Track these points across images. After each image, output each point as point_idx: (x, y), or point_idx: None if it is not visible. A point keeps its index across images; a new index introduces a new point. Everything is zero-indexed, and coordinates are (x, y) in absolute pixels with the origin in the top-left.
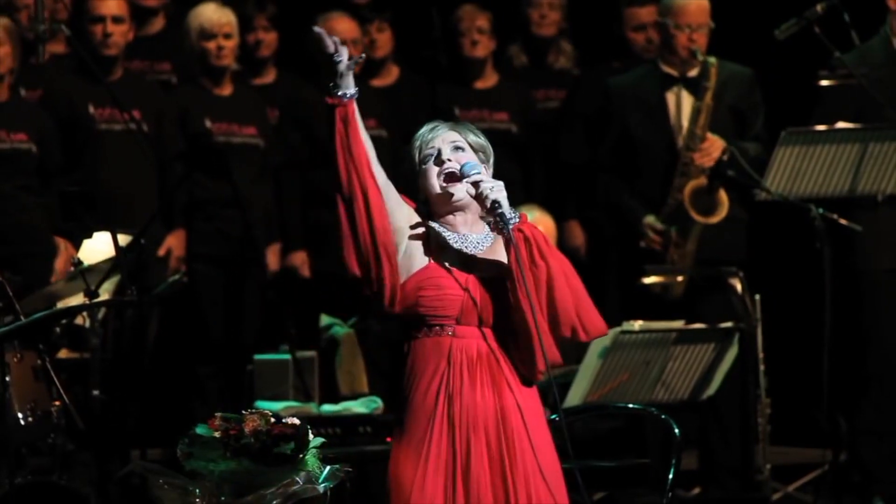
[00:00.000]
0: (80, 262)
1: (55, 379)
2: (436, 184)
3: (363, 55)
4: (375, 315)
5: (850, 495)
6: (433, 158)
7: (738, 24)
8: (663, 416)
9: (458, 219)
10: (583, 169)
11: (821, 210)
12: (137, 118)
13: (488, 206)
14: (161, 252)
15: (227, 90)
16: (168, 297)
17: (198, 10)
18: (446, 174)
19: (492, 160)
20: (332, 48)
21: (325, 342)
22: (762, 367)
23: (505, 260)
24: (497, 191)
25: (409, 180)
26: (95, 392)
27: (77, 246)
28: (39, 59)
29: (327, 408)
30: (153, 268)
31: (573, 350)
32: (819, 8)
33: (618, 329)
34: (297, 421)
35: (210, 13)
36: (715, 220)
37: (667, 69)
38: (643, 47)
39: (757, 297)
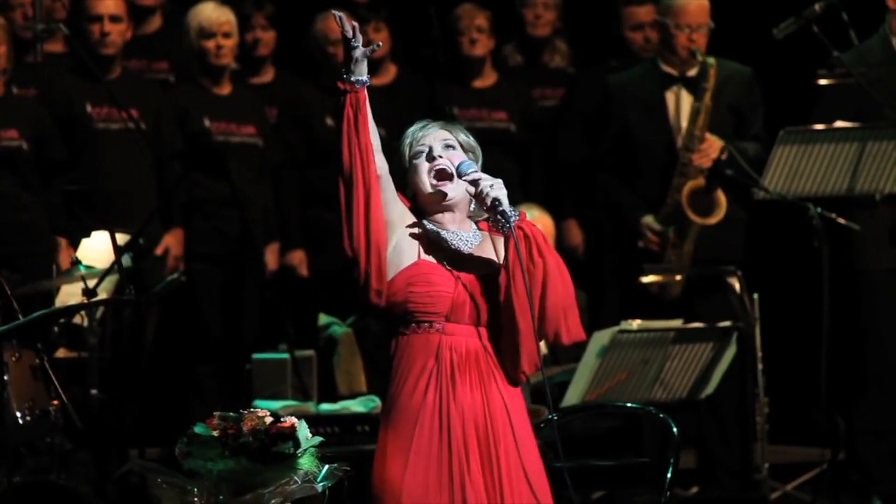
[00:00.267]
0: (78, 262)
1: (53, 378)
2: (426, 180)
3: (380, 43)
4: (371, 313)
5: (849, 494)
6: (424, 155)
7: (736, 24)
8: (661, 416)
9: (446, 217)
10: (581, 168)
11: (819, 209)
12: (136, 117)
13: (489, 203)
14: (159, 251)
15: (225, 89)
16: (166, 296)
17: (197, 9)
18: (437, 171)
19: (480, 161)
20: (350, 32)
21: (323, 341)
22: (760, 367)
23: (493, 258)
24: (497, 188)
25: (397, 177)
26: (94, 391)
27: (76, 245)
28: (37, 58)
29: (325, 407)
30: (151, 267)
31: (571, 349)
32: (817, 7)
33: (616, 328)
34: (294, 420)
35: (209, 12)
36: (712, 221)
37: (666, 68)
38: (641, 46)
39: (755, 296)
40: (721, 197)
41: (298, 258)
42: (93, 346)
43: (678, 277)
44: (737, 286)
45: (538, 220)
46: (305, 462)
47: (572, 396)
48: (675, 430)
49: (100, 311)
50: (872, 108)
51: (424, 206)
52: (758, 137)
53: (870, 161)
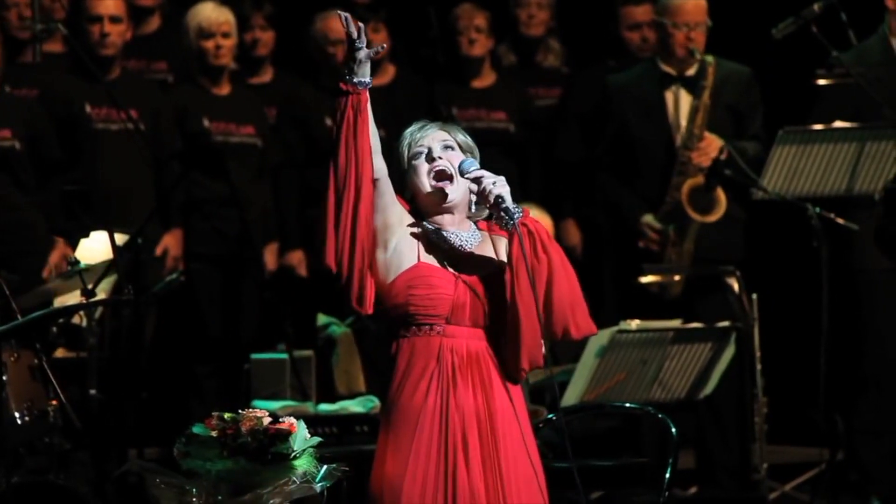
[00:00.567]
0: (77, 262)
1: (52, 378)
2: (426, 181)
3: (384, 45)
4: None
5: (847, 495)
6: (423, 156)
7: (735, 24)
8: (660, 416)
9: (445, 218)
10: (579, 167)
11: (818, 209)
12: (135, 117)
13: (492, 200)
14: (158, 251)
15: (225, 89)
16: (165, 296)
17: (196, 10)
18: (437, 171)
19: (477, 163)
20: (355, 34)
21: (322, 341)
22: (759, 367)
23: (493, 258)
24: (500, 185)
25: (395, 179)
26: (92, 391)
27: (74, 245)
28: (36, 59)
29: (324, 407)
30: (150, 267)
31: (571, 349)
32: (816, 7)
33: (615, 328)
34: (292, 420)
35: (208, 12)
36: (713, 218)
37: (665, 68)
38: (638, 46)
39: (754, 296)
40: (721, 195)
41: (297, 258)
42: (91, 346)
43: (677, 277)
44: (735, 286)
45: (538, 219)
46: (304, 462)
47: (571, 397)
48: (673, 430)
49: (98, 311)
50: (871, 109)
51: (424, 207)
52: (757, 137)
53: (869, 161)
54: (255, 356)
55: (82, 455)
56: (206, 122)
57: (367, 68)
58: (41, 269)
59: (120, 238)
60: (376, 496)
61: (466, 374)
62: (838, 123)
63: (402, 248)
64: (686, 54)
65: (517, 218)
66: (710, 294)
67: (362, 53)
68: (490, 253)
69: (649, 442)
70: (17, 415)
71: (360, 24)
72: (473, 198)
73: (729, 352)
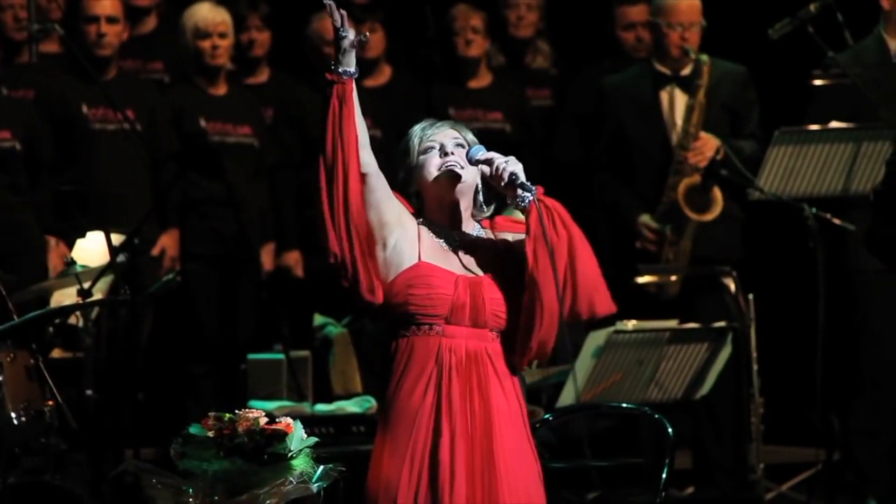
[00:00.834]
0: (73, 262)
1: (48, 378)
2: (433, 172)
3: (367, 34)
4: (369, 315)
5: (844, 495)
6: (436, 151)
7: (731, 24)
8: (657, 416)
9: (450, 216)
10: (576, 167)
11: (814, 209)
12: (131, 118)
13: (506, 178)
14: (155, 252)
15: (221, 90)
16: (162, 296)
17: (193, 10)
18: (448, 167)
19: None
20: (338, 22)
21: (318, 342)
22: (755, 367)
23: (496, 257)
24: (513, 163)
25: (400, 176)
26: (89, 392)
27: (70, 245)
28: (32, 59)
29: (321, 407)
30: (147, 267)
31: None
32: (812, 7)
33: (611, 328)
34: (289, 421)
35: (205, 12)
36: (709, 217)
37: (660, 68)
38: (633, 46)
39: (750, 296)
40: (717, 194)
41: (294, 259)
42: (88, 347)
43: (674, 278)
44: (732, 286)
45: None
46: (301, 463)
47: (567, 397)
48: (670, 430)
49: (95, 312)
50: (867, 109)
51: (431, 201)
52: (753, 136)
53: (865, 161)
54: (251, 356)
55: (79, 455)
56: (202, 123)
57: (351, 58)
58: (37, 270)
59: (116, 238)
60: (373, 497)
61: (464, 374)
62: (834, 124)
63: (402, 247)
64: (681, 54)
65: (534, 193)
66: (706, 294)
67: (346, 42)
68: (493, 252)
69: (646, 442)
70: (13, 415)
71: (343, 12)
72: (480, 196)
73: (725, 352)
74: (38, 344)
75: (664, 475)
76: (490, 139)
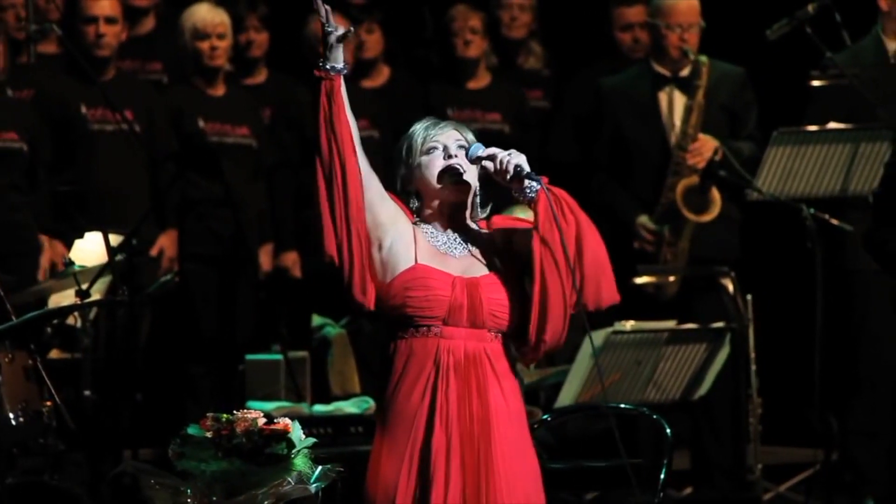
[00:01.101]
0: (71, 262)
1: (46, 379)
2: (437, 174)
3: (352, 29)
4: (368, 316)
5: (842, 495)
6: (440, 151)
7: (729, 25)
8: (655, 416)
9: (448, 217)
10: (572, 168)
11: (812, 210)
12: (130, 118)
13: (511, 171)
14: (153, 252)
15: (220, 90)
16: (160, 296)
17: (191, 10)
18: (451, 168)
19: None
20: (324, 18)
21: (316, 342)
22: (754, 367)
23: (495, 258)
24: (516, 155)
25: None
26: (87, 392)
27: (69, 245)
28: (30, 60)
29: (319, 408)
30: (145, 268)
31: (566, 350)
32: (810, 8)
33: (610, 329)
34: (287, 421)
35: (204, 13)
36: (707, 218)
37: (659, 69)
38: (630, 47)
39: (749, 297)
40: (715, 195)
41: (292, 259)
42: (86, 347)
43: (672, 278)
44: (730, 287)
45: (528, 220)
46: (299, 463)
47: (566, 397)
48: (668, 430)
49: (93, 312)
50: (865, 110)
51: (431, 201)
52: (752, 137)
53: (863, 162)
54: (249, 357)
55: (77, 456)
56: (201, 123)
57: (339, 53)
58: (36, 271)
59: (115, 239)
60: (371, 497)
61: (463, 375)
62: (832, 124)
63: (398, 249)
64: (679, 55)
65: (541, 182)
66: (705, 295)
67: (332, 37)
68: (491, 252)
69: (644, 443)
70: (11, 416)
71: (328, 8)
72: (478, 199)
73: (724, 352)
74: (37, 344)
75: (662, 476)
76: (489, 140)
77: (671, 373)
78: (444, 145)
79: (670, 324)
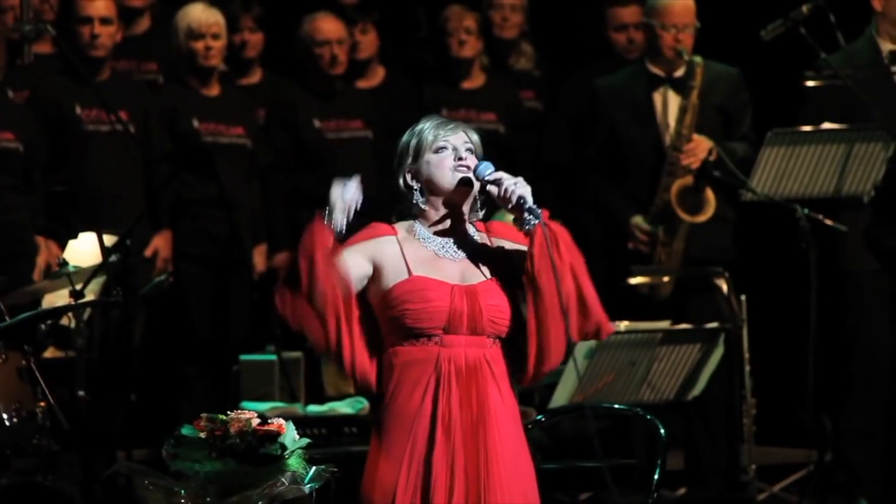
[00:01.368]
0: (65, 263)
1: (40, 379)
2: (448, 175)
3: (343, 231)
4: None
5: (835, 495)
6: (450, 152)
7: (724, 25)
8: (649, 417)
9: (446, 218)
10: (567, 168)
11: (806, 211)
12: (124, 119)
13: (514, 202)
14: (148, 253)
15: (214, 90)
16: (154, 297)
17: (186, 10)
18: (460, 168)
19: (492, 165)
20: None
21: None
22: (748, 368)
23: (492, 262)
24: (521, 186)
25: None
26: (81, 392)
27: (62, 246)
28: (25, 60)
29: (313, 408)
30: (139, 268)
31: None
32: (805, 9)
33: None
34: (281, 422)
35: (198, 13)
36: (702, 218)
37: (653, 69)
38: (625, 47)
39: (743, 297)
40: (710, 195)
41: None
42: (80, 348)
43: (666, 279)
44: (724, 287)
45: None
46: (293, 463)
47: (560, 398)
48: (662, 431)
49: (87, 313)
50: (859, 110)
51: (435, 199)
52: (746, 138)
53: (857, 163)
54: (243, 357)
55: (70, 456)
56: (195, 123)
57: (343, 220)
58: (31, 271)
59: (109, 239)
60: (368, 500)
61: (464, 384)
62: (826, 125)
63: (389, 268)
64: (674, 55)
65: (540, 218)
66: (699, 295)
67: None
68: (489, 258)
69: (638, 443)
70: (4, 416)
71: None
72: (478, 202)
73: (718, 353)
74: (31, 345)
75: (656, 476)
76: (484, 140)
77: (665, 373)
78: (454, 146)
79: (664, 324)
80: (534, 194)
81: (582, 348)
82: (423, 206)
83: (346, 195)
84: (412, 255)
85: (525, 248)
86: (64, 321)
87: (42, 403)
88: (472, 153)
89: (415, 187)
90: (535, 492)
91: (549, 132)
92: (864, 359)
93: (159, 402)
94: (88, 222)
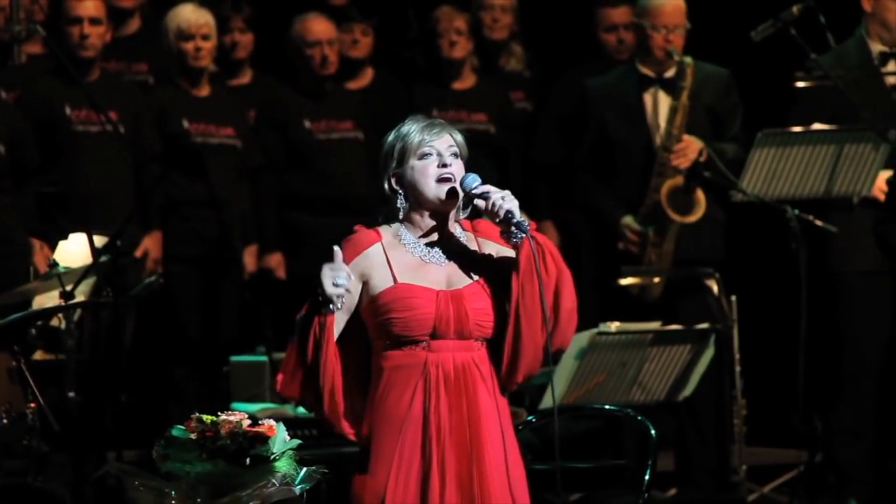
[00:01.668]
0: (55, 264)
1: (30, 380)
2: (433, 184)
3: (339, 306)
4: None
5: (825, 496)
6: (434, 158)
7: (714, 26)
8: (640, 418)
9: (430, 222)
10: (556, 169)
11: (797, 211)
12: (114, 119)
13: (502, 216)
14: (138, 253)
15: (204, 91)
16: (144, 298)
17: (175, 11)
18: (443, 178)
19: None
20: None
21: None
22: (738, 369)
23: (478, 265)
24: (509, 200)
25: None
26: (71, 394)
27: (52, 247)
28: (16, 61)
29: (303, 410)
30: (130, 269)
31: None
32: (795, 10)
33: (594, 330)
34: (272, 423)
35: (188, 14)
36: (692, 219)
37: (644, 70)
38: (615, 48)
39: (733, 298)
40: (700, 196)
41: (276, 261)
42: (70, 349)
43: (656, 279)
44: (715, 288)
45: None
46: (283, 465)
47: (550, 399)
48: (653, 431)
49: (77, 314)
50: (850, 111)
51: (420, 205)
52: (736, 139)
53: (847, 164)
54: (234, 358)
55: (61, 458)
56: (185, 124)
57: (340, 304)
58: (22, 272)
59: (99, 240)
60: (359, 500)
61: (451, 388)
62: (817, 126)
63: (375, 277)
64: (664, 56)
65: (528, 231)
66: (689, 296)
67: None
68: (475, 260)
69: (629, 444)
70: None
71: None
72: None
73: (708, 354)
74: (21, 346)
75: (647, 477)
76: (474, 140)
77: (656, 374)
78: (439, 151)
79: (655, 325)
80: (524, 195)
81: (573, 349)
82: (408, 212)
83: (339, 281)
84: (398, 261)
85: (509, 255)
86: (54, 322)
87: (32, 404)
88: (456, 157)
89: (399, 192)
90: (525, 493)
91: (540, 133)
92: (854, 359)
93: (150, 404)
94: (78, 223)
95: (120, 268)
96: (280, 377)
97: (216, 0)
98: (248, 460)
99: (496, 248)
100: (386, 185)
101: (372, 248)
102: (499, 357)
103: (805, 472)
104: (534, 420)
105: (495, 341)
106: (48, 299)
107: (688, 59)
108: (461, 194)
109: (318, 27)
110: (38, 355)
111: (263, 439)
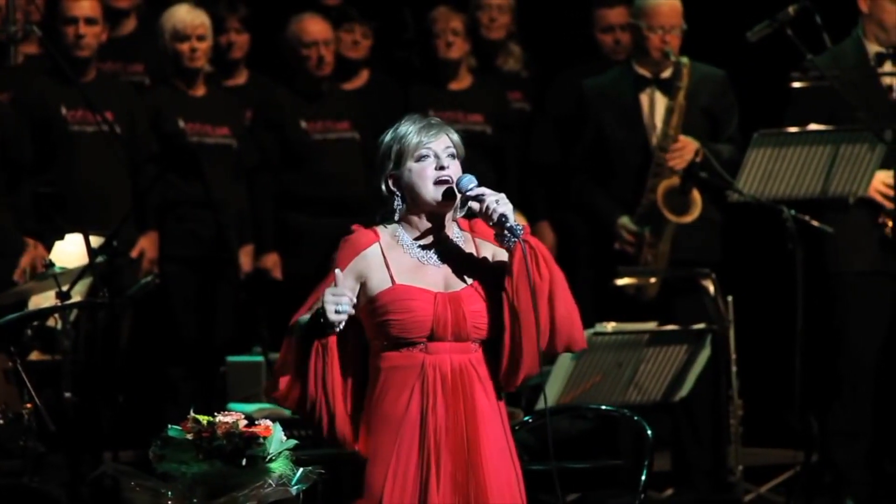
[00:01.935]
0: (52, 264)
1: (26, 381)
2: (431, 187)
3: (341, 327)
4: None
5: (822, 496)
6: (432, 159)
7: (710, 27)
8: (636, 418)
9: (427, 223)
10: (553, 169)
11: (793, 212)
12: (110, 119)
13: (495, 219)
14: (134, 254)
15: (200, 91)
16: (141, 298)
17: (171, 12)
18: (441, 181)
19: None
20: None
21: None
22: (734, 369)
23: (475, 266)
24: (503, 203)
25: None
26: (67, 394)
27: (49, 247)
28: (12, 61)
29: None
30: (126, 269)
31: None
32: (791, 10)
33: (591, 331)
34: (268, 423)
35: (183, 14)
36: (688, 219)
37: (640, 70)
38: (611, 48)
39: (729, 298)
40: (696, 196)
41: (272, 261)
42: (66, 349)
43: (653, 280)
44: (711, 288)
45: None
46: (279, 465)
47: (547, 399)
48: (649, 432)
49: (74, 314)
50: (846, 112)
51: (417, 206)
52: (732, 139)
53: (843, 164)
54: (230, 359)
55: (57, 458)
56: (181, 124)
57: (342, 326)
58: (13, 272)
59: (95, 240)
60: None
61: (449, 389)
62: (813, 126)
63: (373, 279)
64: (661, 57)
65: (520, 236)
66: (685, 296)
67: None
68: (472, 262)
69: (625, 444)
70: None
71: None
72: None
73: (704, 354)
74: (16, 346)
75: (643, 477)
76: (470, 141)
77: (652, 374)
78: (436, 153)
79: (651, 325)
80: (521, 195)
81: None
82: (405, 213)
83: (342, 308)
84: (395, 262)
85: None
86: (50, 322)
87: (28, 405)
88: (453, 158)
89: (396, 193)
90: (521, 493)
91: (537, 133)
92: (851, 360)
93: (146, 404)
94: (75, 223)
95: (116, 268)
96: (276, 393)
97: (212, 0)
98: (244, 461)
99: (493, 250)
100: (383, 187)
101: (370, 248)
102: (496, 359)
103: (802, 473)
104: (530, 421)
105: (493, 343)
106: (44, 300)
107: (684, 60)
108: (458, 195)
109: (314, 27)
110: (35, 356)
111: (260, 440)
